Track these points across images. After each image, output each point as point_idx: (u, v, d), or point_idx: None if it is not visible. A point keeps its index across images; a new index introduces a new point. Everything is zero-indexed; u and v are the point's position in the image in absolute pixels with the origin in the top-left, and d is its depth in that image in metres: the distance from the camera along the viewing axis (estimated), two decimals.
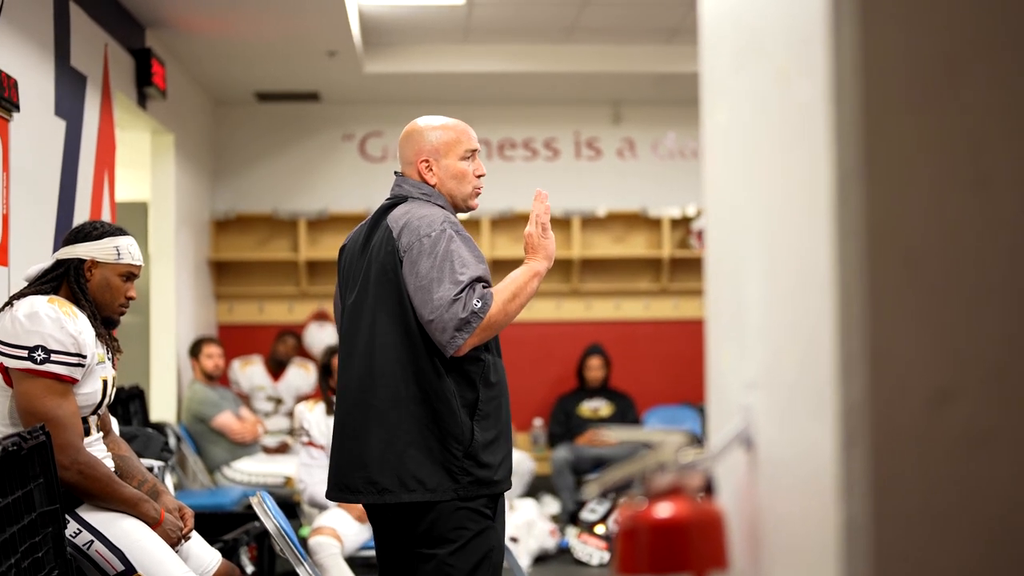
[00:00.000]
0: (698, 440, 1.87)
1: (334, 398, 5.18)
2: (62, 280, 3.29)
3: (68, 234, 3.38)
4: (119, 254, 3.31)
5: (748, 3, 1.55)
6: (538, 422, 8.36)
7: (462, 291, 2.88)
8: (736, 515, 1.60)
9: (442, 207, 3.06)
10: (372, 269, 3.00)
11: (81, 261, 3.29)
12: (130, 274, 3.35)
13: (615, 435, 1.59)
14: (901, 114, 1.23)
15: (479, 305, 2.88)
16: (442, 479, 2.92)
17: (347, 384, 3.05)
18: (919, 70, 1.23)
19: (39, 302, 3.13)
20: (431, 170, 3.09)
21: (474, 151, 3.14)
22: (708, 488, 1.54)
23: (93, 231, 3.33)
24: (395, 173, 3.19)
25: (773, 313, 1.48)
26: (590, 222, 8.62)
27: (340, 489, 3.03)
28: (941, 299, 1.23)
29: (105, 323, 3.33)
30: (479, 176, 3.14)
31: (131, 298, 3.37)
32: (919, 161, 1.23)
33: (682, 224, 8.67)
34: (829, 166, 1.26)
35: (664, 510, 1.39)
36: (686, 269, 8.63)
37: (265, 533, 4.49)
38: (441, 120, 3.15)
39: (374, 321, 2.98)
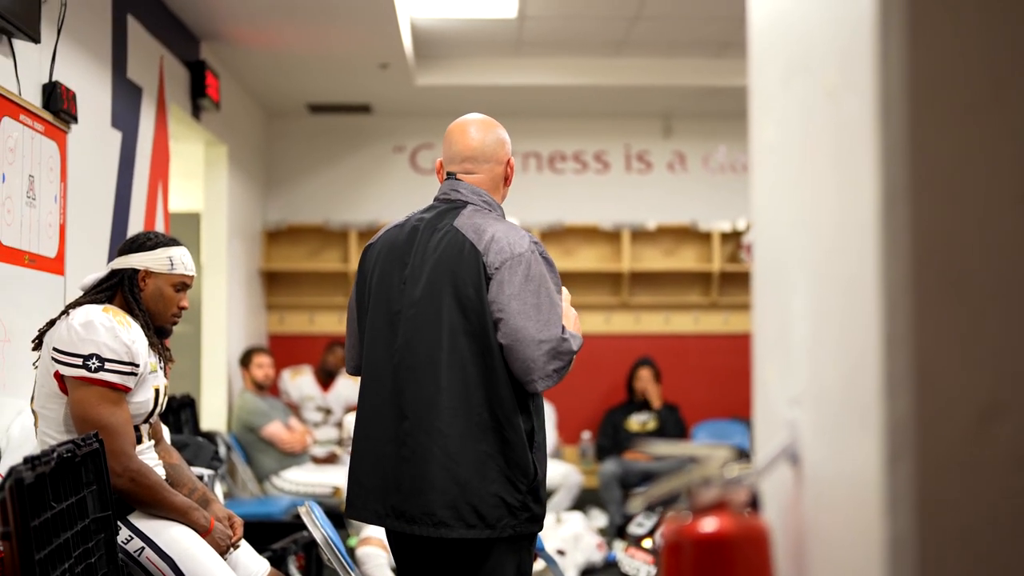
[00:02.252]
0: (745, 455, 1.86)
1: None
2: (116, 290, 3.33)
3: (123, 244, 3.42)
4: (172, 264, 3.35)
5: (796, 18, 1.55)
6: (586, 435, 8.34)
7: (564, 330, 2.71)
8: (782, 531, 1.59)
9: (503, 218, 2.90)
10: (442, 279, 2.77)
11: (135, 271, 3.33)
12: (183, 284, 3.38)
13: (660, 449, 1.59)
14: (948, 130, 1.23)
15: (575, 348, 2.73)
16: (502, 514, 2.71)
17: (413, 397, 2.76)
18: (966, 87, 1.23)
19: (94, 311, 3.18)
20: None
21: None
22: (754, 503, 1.54)
23: (147, 241, 3.37)
24: (449, 175, 2.95)
25: (819, 328, 1.47)
26: (640, 235, 8.61)
27: (396, 516, 2.77)
28: (987, 315, 1.22)
29: (158, 332, 3.36)
30: None
31: (183, 308, 3.40)
32: (966, 177, 1.23)
33: (732, 238, 8.64)
34: (876, 182, 1.25)
35: (709, 525, 1.39)
36: (736, 283, 8.59)
37: (313, 543, 4.51)
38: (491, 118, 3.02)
39: (441, 337, 2.74)
